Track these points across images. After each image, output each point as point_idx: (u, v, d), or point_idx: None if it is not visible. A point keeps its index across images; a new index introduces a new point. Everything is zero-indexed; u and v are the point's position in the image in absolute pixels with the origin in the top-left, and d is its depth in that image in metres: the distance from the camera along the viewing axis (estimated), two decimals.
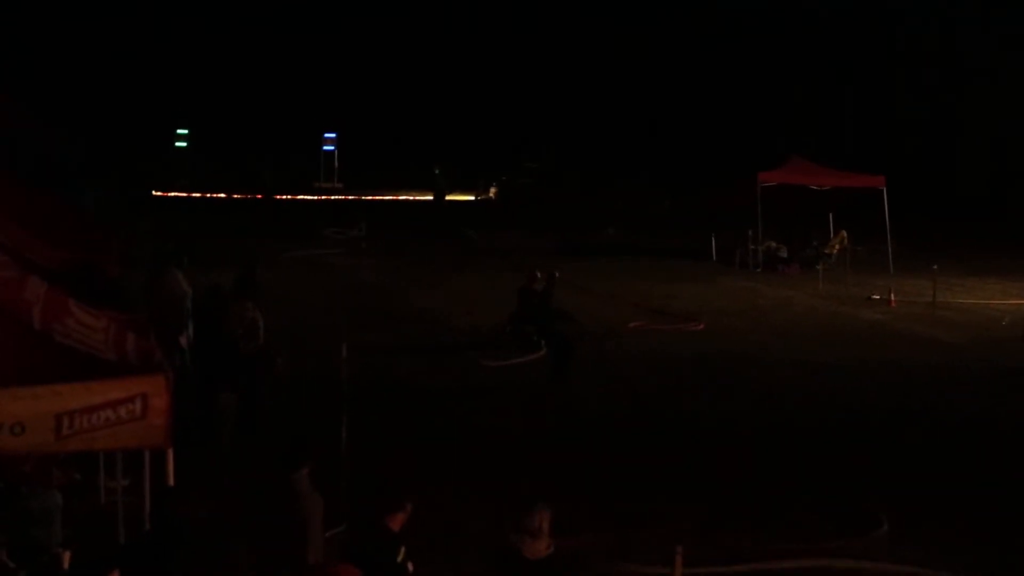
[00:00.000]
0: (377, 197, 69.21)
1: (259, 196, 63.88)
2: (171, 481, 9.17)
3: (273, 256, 35.67)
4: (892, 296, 31.79)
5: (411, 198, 69.90)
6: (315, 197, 68.81)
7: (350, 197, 69.05)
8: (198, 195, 64.52)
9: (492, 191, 71.10)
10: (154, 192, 61.76)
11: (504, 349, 23.81)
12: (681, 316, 28.75)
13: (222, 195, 64.67)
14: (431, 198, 68.09)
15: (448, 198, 68.47)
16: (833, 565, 12.52)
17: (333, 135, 73.77)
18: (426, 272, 36.08)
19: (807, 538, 13.45)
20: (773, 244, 39.92)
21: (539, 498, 9.61)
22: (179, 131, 71.85)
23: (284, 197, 66.07)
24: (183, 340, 18.09)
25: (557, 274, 24.85)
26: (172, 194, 63.80)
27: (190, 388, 15.63)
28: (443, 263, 38.22)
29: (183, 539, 8.52)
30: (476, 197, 71.29)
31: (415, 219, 55.48)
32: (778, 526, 13.83)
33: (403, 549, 9.15)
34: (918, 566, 12.62)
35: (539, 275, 24.93)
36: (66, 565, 11.02)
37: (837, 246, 39.95)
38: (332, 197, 69.33)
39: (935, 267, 31.46)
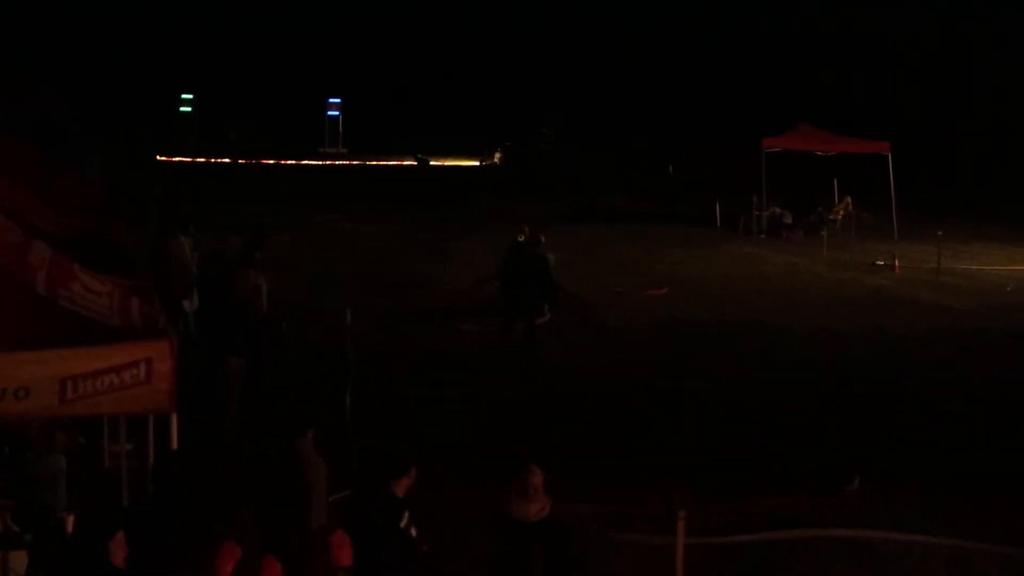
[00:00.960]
0: (381, 162, 69.21)
1: (227, 160, 63.58)
2: (175, 445, 9.20)
3: (278, 221, 35.70)
4: (896, 262, 31.77)
5: (414, 163, 69.92)
6: (320, 162, 68.82)
7: (354, 162, 69.08)
8: (203, 160, 64.49)
9: (496, 157, 70.99)
10: (159, 157, 61.70)
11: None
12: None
13: (226, 160, 64.62)
14: (415, 163, 68.45)
15: (433, 163, 68.76)
16: (835, 535, 12.54)
17: (338, 100, 73.73)
18: (429, 237, 36.07)
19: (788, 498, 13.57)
20: (778, 210, 39.88)
21: (527, 460, 9.63)
22: (184, 96, 71.80)
23: (288, 162, 65.99)
24: (187, 306, 18.13)
25: (521, 238, 23.21)
26: (177, 159, 63.79)
27: (194, 354, 15.65)
28: (445, 229, 38.18)
29: (186, 502, 8.55)
30: (481, 163, 71.21)
31: (415, 185, 55.36)
32: (772, 491, 13.88)
33: (407, 515, 9.19)
34: (919, 533, 12.65)
35: (543, 238, 24.87)
36: (70, 529, 11.07)
37: (842, 212, 39.92)
38: (336, 162, 69.36)
39: (940, 233, 31.44)
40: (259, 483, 10.85)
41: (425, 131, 70.36)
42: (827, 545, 12.33)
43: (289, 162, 66.21)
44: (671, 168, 59.16)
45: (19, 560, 10.02)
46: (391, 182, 57.91)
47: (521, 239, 22.89)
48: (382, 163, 69.03)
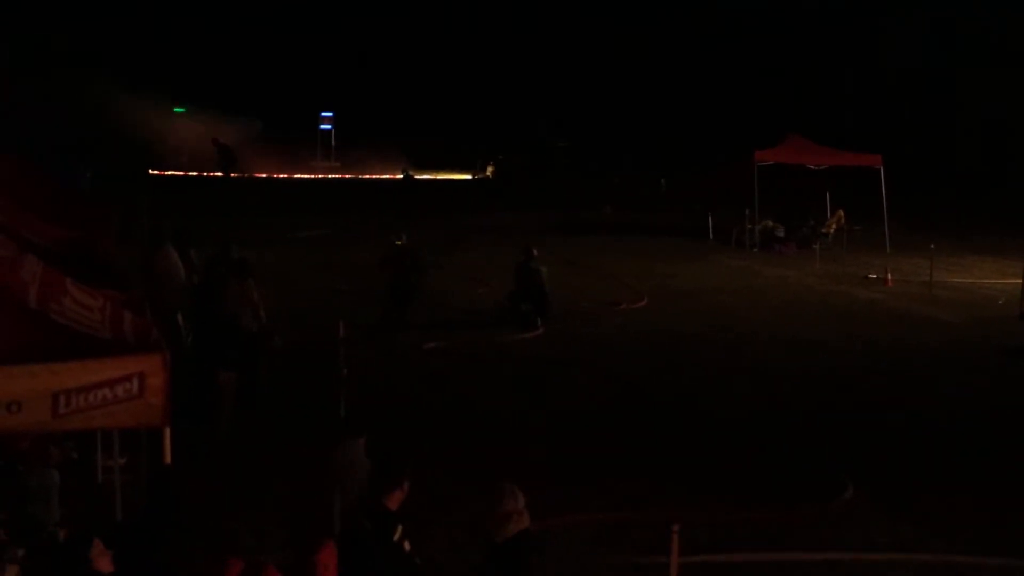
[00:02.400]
0: (373, 176, 69.23)
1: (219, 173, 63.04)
2: (168, 460, 9.17)
3: (272, 235, 35.73)
4: (888, 275, 31.81)
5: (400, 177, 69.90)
6: (312, 175, 68.83)
7: (347, 176, 69.13)
8: (195, 174, 64.39)
9: (489, 169, 71.05)
10: (150, 170, 61.61)
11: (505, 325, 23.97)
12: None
13: (218, 174, 64.52)
14: (400, 177, 68.28)
15: (426, 177, 68.53)
16: (828, 558, 12.48)
17: (330, 114, 73.82)
18: (423, 251, 36.03)
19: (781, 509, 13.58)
20: (770, 223, 39.92)
21: (502, 481, 9.58)
22: (176, 109, 71.72)
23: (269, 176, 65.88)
24: (180, 319, 18.11)
25: (398, 241, 24.41)
26: (169, 172, 63.74)
27: (188, 367, 15.64)
28: (437, 242, 38.15)
29: (178, 517, 8.53)
30: (474, 176, 71.27)
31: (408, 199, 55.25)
32: (765, 502, 13.87)
33: (400, 527, 9.17)
34: (913, 544, 12.66)
35: (535, 252, 25.05)
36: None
37: (834, 225, 39.99)
38: (329, 175, 69.38)
39: (932, 246, 31.44)
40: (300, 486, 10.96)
41: (419, 145, 70.36)
42: (819, 562, 12.30)
43: (282, 175, 66.26)
44: (662, 181, 59.22)
45: (11, 574, 9.99)
46: (383, 195, 57.87)
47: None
48: (375, 176, 69.06)
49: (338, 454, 10.88)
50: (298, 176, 67.36)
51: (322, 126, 73.74)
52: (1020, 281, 27.42)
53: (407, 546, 9.19)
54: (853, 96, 73.14)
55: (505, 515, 9.13)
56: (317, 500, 11.04)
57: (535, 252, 25.16)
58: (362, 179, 68.19)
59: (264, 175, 65.33)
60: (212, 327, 16.61)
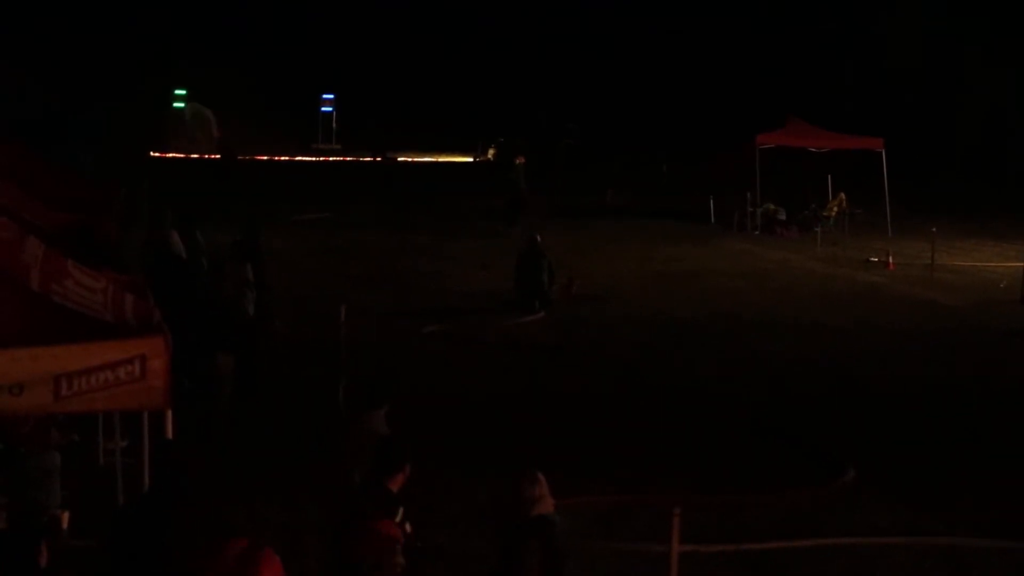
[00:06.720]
0: (374, 159, 69.12)
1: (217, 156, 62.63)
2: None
3: (275, 218, 35.68)
4: (890, 258, 31.81)
5: (410, 159, 69.82)
6: (313, 158, 68.71)
7: (348, 159, 69.00)
8: (196, 156, 64.32)
9: (491, 153, 70.86)
10: (152, 153, 61.53)
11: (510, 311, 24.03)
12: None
13: (218, 156, 64.43)
14: (371, 158, 68.04)
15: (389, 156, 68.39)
16: (830, 543, 12.48)
17: (331, 96, 73.59)
18: (424, 235, 36.03)
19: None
20: (771, 207, 39.86)
21: (529, 466, 9.56)
22: (177, 91, 71.56)
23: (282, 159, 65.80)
24: None
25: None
26: (170, 155, 63.66)
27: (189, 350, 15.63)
28: (437, 226, 38.14)
29: (182, 499, 8.51)
30: (475, 159, 71.10)
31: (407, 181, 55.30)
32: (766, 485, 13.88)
33: (401, 510, 9.17)
34: (914, 527, 12.68)
35: (538, 238, 25.05)
36: (65, 525, 11.06)
37: (835, 208, 39.94)
38: (330, 159, 69.25)
39: (934, 229, 31.45)
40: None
41: (420, 127, 70.25)
42: (819, 546, 12.31)
43: (282, 158, 66.15)
44: (664, 164, 59.08)
45: None
46: (382, 178, 57.82)
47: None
48: (375, 160, 68.97)
49: (357, 426, 10.90)
50: (299, 159, 67.23)
51: (323, 108, 73.55)
52: (1021, 264, 27.45)
53: (408, 528, 9.20)
54: (854, 80, 72.95)
55: (526, 500, 9.12)
56: (334, 475, 11.03)
57: (539, 238, 25.18)
58: (363, 162, 68.13)
59: (265, 158, 65.19)
60: (211, 310, 16.60)
